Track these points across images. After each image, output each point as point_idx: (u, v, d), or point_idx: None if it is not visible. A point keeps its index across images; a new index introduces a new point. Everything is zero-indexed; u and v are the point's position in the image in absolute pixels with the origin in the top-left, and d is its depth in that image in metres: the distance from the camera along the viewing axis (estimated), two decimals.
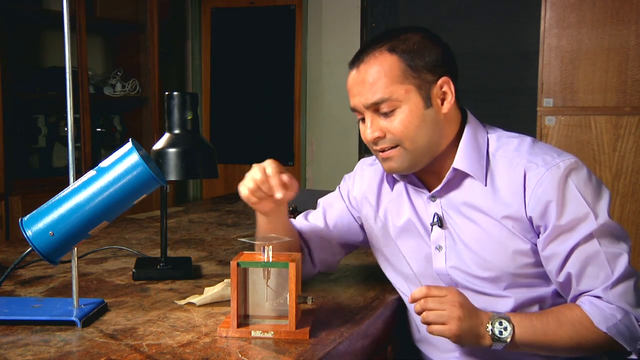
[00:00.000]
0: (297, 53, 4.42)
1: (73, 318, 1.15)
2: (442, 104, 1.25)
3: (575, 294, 1.21)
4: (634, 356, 1.18)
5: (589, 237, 1.18)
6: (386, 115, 1.23)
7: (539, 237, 1.22)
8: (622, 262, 1.18)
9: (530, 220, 1.21)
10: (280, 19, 4.46)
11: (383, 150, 1.26)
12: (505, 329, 1.15)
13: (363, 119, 1.29)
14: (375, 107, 1.24)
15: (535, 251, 1.23)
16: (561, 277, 1.21)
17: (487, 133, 1.31)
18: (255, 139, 4.57)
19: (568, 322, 1.17)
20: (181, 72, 4.73)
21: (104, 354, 1.03)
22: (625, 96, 2.79)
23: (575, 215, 1.18)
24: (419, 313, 1.16)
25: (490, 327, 1.16)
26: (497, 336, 1.15)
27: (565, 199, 1.18)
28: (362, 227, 1.48)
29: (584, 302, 1.18)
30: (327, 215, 1.49)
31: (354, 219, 1.48)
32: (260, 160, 1.27)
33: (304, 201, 2.19)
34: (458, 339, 1.15)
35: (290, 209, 2.17)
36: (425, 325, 1.37)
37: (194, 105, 1.52)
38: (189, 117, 1.50)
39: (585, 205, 1.18)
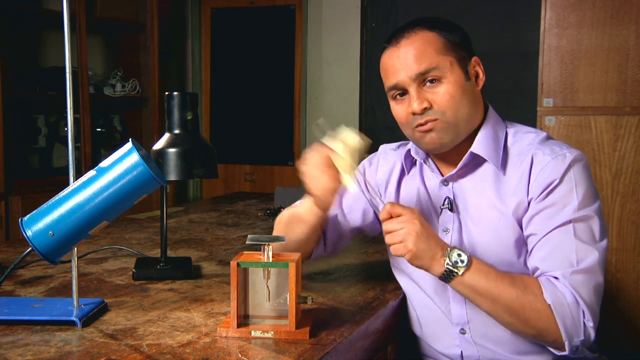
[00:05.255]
0: (297, 53, 4.42)
1: (73, 318, 1.15)
2: (476, 81, 1.31)
3: (537, 274, 1.22)
4: (565, 353, 1.16)
5: (566, 223, 1.20)
6: (432, 84, 1.26)
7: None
8: (590, 259, 1.18)
9: (529, 203, 1.24)
10: (280, 19, 4.45)
11: (425, 123, 1.27)
12: (462, 261, 1.17)
13: (401, 95, 1.30)
14: (422, 78, 1.26)
15: None
16: (530, 258, 1.23)
17: (506, 127, 1.35)
18: (255, 139, 4.57)
19: (521, 283, 1.18)
20: (181, 72, 4.72)
21: (104, 354, 1.03)
22: (625, 96, 2.79)
23: (561, 199, 1.21)
24: (385, 234, 1.20)
25: (448, 253, 1.17)
26: (452, 263, 1.16)
27: (562, 183, 1.21)
28: (374, 212, 1.50)
29: (542, 278, 1.20)
30: (343, 200, 1.50)
31: (369, 202, 1.50)
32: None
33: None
34: (413, 257, 1.17)
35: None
36: (426, 322, 1.39)
37: (194, 105, 1.52)
38: (189, 117, 1.50)
39: (574, 193, 1.21)
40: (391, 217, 1.19)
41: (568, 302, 1.15)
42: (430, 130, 1.27)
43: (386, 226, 1.19)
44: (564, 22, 2.87)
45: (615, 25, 2.79)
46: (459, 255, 1.17)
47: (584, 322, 1.15)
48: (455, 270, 1.16)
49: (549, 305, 1.15)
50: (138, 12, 3.97)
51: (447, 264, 1.17)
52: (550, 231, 1.20)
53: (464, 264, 1.17)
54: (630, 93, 2.78)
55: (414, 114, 1.26)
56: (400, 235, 1.17)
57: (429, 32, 1.27)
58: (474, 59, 1.31)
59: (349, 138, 1.26)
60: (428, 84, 1.26)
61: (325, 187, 1.26)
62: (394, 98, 1.31)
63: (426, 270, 1.20)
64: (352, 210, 1.49)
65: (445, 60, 1.25)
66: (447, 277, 1.18)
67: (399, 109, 1.30)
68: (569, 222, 1.19)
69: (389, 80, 1.30)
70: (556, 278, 1.18)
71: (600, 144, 2.84)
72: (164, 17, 4.14)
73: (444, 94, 1.25)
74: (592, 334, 1.15)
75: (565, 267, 1.18)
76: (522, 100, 3.58)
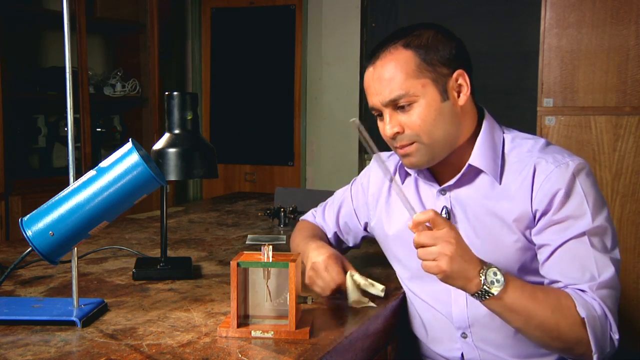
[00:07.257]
0: (297, 53, 4.42)
1: (73, 318, 1.15)
2: (459, 96, 1.27)
3: (559, 286, 1.20)
4: None
5: (581, 235, 1.18)
6: (404, 110, 1.24)
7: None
8: (610, 271, 1.17)
9: (534, 214, 1.22)
10: (280, 19, 4.45)
11: (402, 147, 1.27)
12: (498, 280, 1.11)
13: (380, 115, 1.30)
14: (393, 104, 1.25)
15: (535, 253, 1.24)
16: (545, 269, 1.21)
17: (503, 133, 1.33)
18: (255, 139, 4.57)
19: (555, 296, 1.15)
20: (181, 72, 4.72)
21: (104, 354, 1.03)
22: (625, 96, 2.79)
23: (574, 212, 1.19)
24: (417, 247, 1.11)
25: (484, 273, 1.11)
26: (488, 285, 1.10)
27: (570, 194, 1.19)
28: (365, 229, 1.56)
29: (570, 291, 1.17)
30: (340, 215, 1.59)
31: (358, 222, 1.56)
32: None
33: (304, 201, 2.20)
34: (446, 277, 1.10)
35: (290, 208, 2.17)
36: (428, 324, 1.38)
37: (194, 105, 1.52)
38: (189, 117, 1.51)
39: (585, 205, 1.19)
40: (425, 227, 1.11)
41: (598, 314, 1.14)
42: (407, 154, 1.28)
43: (419, 238, 1.09)
44: (564, 22, 2.87)
45: (615, 25, 2.79)
46: (495, 274, 1.11)
47: (610, 335, 1.15)
48: (492, 292, 1.11)
49: (583, 318, 1.12)
50: (138, 12, 3.97)
51: (484, 284, 1.11)
52: (566, 242, 1.18)
53: (500, 283, 1.11)
54: (630, 93, 2.78)
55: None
56: (434, 253, 1.08)
57: (405, 52, 1.24)
58: (456, 73, 1.25)
59: (362, 282, 1.33)
60: (401, 108, 1.25)
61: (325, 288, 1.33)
62: (376, 116, 1.32)
63: (458, 288, 1.14)
64: (347, 225, 1.59)
65: (416, 85, 1.23)
66: (481, 296, 1.12)
67: (380, 128, 1.31)
68: (584, 234, 1.18)
69: (368, 101, 1.31)
70: (583, 291, 1.16)
71: (600, 144, 2.84)
72: (164, 17, 4.14)
73: (416, 118, 1.24)
74: (616, 346, 1.15)
75: (589, 279, 1.16)
76: (522, 100, 3.59)
